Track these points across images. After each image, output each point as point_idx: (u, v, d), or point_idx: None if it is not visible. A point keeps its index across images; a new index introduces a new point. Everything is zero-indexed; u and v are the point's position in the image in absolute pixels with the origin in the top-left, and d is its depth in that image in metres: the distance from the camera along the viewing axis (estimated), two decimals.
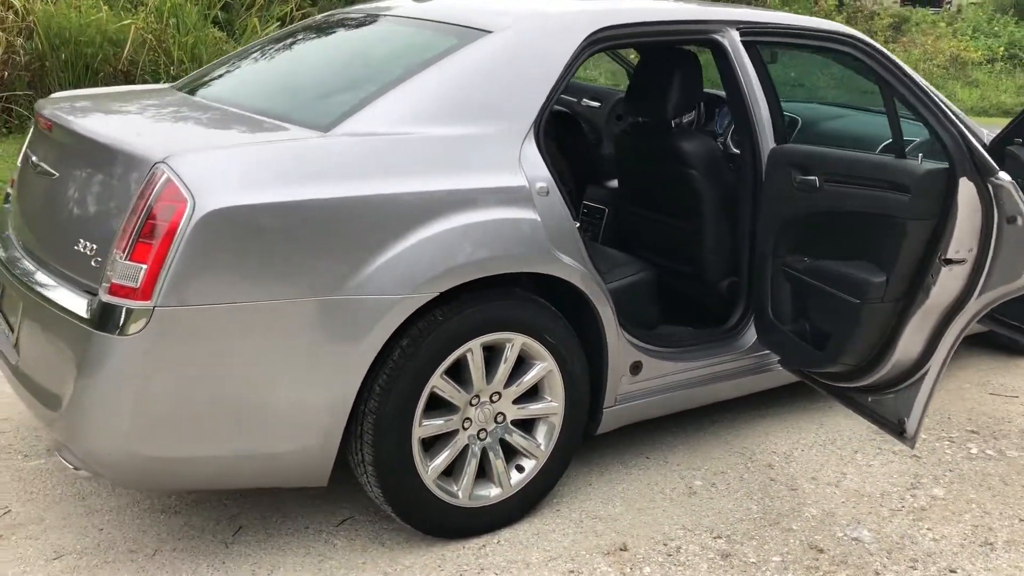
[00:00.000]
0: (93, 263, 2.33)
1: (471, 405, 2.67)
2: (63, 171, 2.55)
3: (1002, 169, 2.58)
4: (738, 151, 3.58)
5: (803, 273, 2.89)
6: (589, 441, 3.09)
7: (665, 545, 2.75)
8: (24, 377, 2.52)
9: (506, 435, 2.76)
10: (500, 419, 2.73)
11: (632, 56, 5.26)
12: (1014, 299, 2.62)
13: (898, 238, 2.49)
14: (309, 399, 2.38)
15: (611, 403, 2.97)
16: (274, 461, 2.43)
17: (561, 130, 4.11)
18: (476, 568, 2.60)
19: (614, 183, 3.99)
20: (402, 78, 2.64)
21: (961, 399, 3.82)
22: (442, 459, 2.64)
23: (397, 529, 2.76)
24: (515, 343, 2.67)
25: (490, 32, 2.77)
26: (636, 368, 2.99)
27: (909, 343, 2.62)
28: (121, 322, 2.21)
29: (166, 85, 3.52)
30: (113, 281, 2.23)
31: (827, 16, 13.58)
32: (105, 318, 2.23)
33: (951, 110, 2.83)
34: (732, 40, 3.18)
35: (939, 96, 2.75)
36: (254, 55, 3.30)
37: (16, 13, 8.82)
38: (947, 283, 2.49)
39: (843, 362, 2.77)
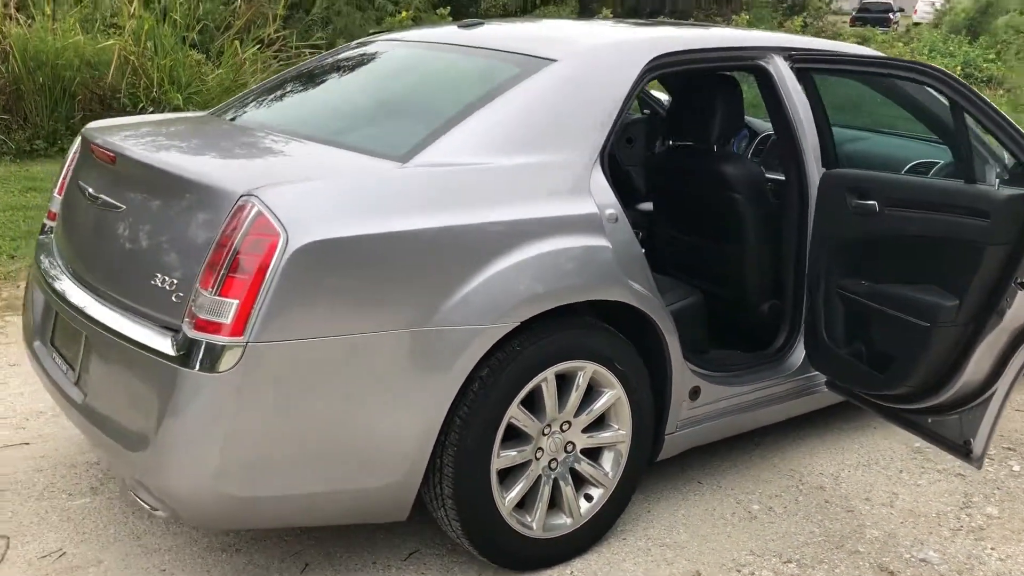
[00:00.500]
0: (174, 298, 2.27)
1: (543, 435, 2.65)
2: (132, 204, 2.49)
3: None
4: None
5: (862, 296, 2.92)
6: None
7: (738, 572, 2.74)
8: (94, 416, 2.44)
9: (575, 464, 2.74)
10: (570, 448, 2.72)
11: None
12: None
13: (974, 262, 2.53)
14: (397, 433, 2.35)
15: (672, 429, 2.97)
16: (360, 497, 2.38)
17: None
18: None
19: (646, 205, 4.00)
20: (472, 107, 2.62)
21: None
22: (517, 490, 2.61)
23: (467, 562, 2.72)
24: (587, 371, 2.66)
25: (554, 60, 2.77)
26: (695, 393, 3.00)
27: (977, 365, 2.65)
28: (211, 359, 2.15)
29: (203, 113, 3.46)
30: (201, 317, 2.18)
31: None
32: (194, 355, 2.17)
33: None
34: (777, 66, 3.22)
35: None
36: (298, 82, 3.27)
37: None
38: (1021, 306, 2.53)
39: (907, 384, 2.79)
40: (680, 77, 3.24)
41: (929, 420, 2.87)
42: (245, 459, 2.21)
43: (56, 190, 3.17)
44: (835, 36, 15.80)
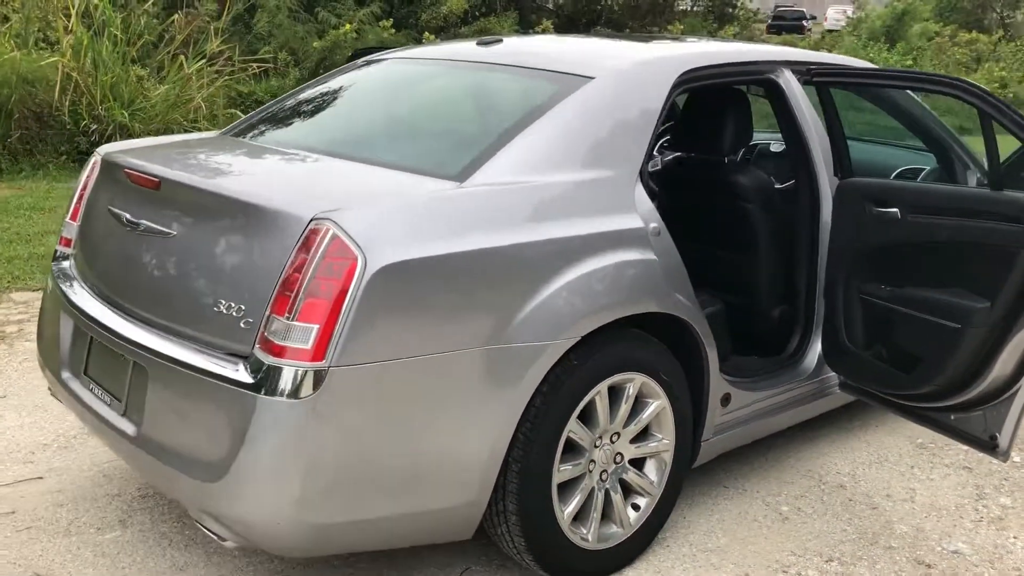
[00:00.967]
0: (242, 324, 2.24)
1: (594, 447, 2.68)
2: (183, 230, 2.44)
3: None
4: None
5: (885, 300, 3.03)
6: None
7: (784, 572, 2.81)
8: (151, 446, 2.39)
9: (624, 474, 2.78)
10: (618, 459, 2.75)
11: None
12: None
13: (1007, 265, 2.65)
14: (472, 451, 2.35)
15: (708, 436, 3.03)
16: (432, 517, 2.38)
17: None
18: None
19: None
20: (520, 126, 2.64)
21: None
22: (574, 504, 2.63)
23: None
24: (635, 382, 2.70)
25: (592, 78, 2.81)
26: (726, 400, 3.07)
27: (1004, 363, 2.77)
28: (292, 385, 2.13)
29: (213, 133, 3.40)
30: (277, 343, 2.16)
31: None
32: (272, 382, 2.14)
33: None
34: (787, 79, 3.32)
35: None
36: (317, 101, 3.24)
37: None
38: None
39: (935, 383, 2.90)
40: (697, 91, 3.31)
41: (952, 417, 2.98)
42: (324, 485, 2.19)
43: (69, 216, 3.09)
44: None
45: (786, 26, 32.41)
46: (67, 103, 8.74)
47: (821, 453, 3.61)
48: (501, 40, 3.29)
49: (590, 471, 2.68)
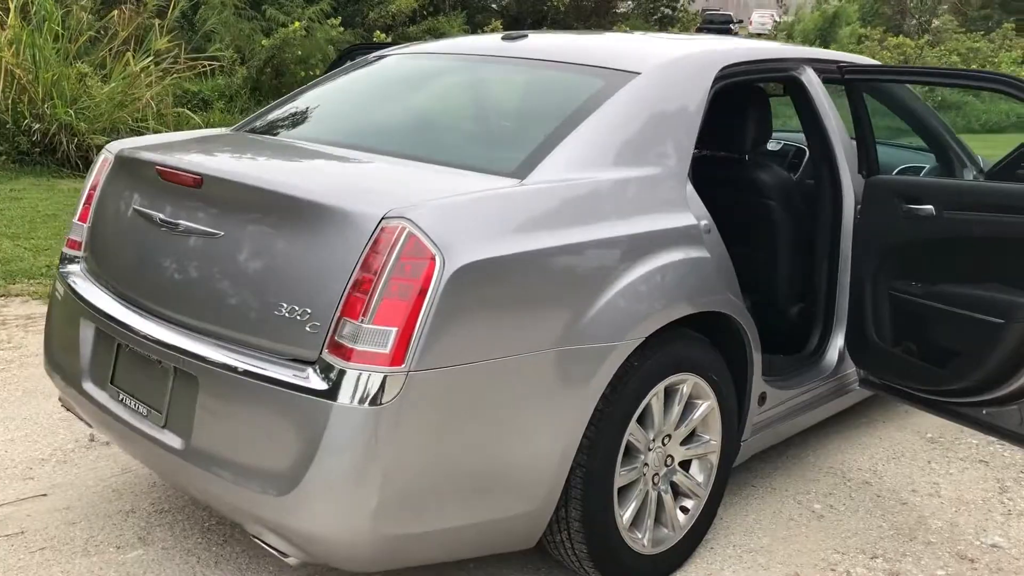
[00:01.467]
0: (308, 328, 2.12)
1: (648, 450, 2.62)
2: (233, 230, 2.31)
3: None
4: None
5: (918, 296, 3.04)
6: None
7: (833, 571, 2.80)
8: (202, 459, 2.24)
9: (674, 476, 2.73)
10: (669, 461, 2.70)
11: None
12: None
13: None
14: (543, 456, 2.28)
15: (747, 436, 3.00)
16: (500, 526, 2.30)
17: None
18: None
19: None
20: (572, 121, 2.57)
21: None
22: (631, 508, 2.58)
23: None
24: (688, 383, 2.66)
25: (638, 73, 2.75)
26: (762, 399, 3.04)
27: None
28: (370, 391, 2.02)
29: (227, 130, 3.24)
30: (351, 347, 2.05)
31: None
32: (347, 388, 2.03)
33: None
34: (810, 77, 3.31)
35: None
36: (346, 95, 3.11)
37: None
38: None
39: (972, 379, 2.92)
40: (722, 89, 3.28)
41: (984, 412, 3.01)
42: (401, 495, 2.09)
43: (77, 217, 2.92)
44: None
45: (714, 29, 32.85)
46: (8, 101, 8.35)
47: (838, 450, 3.61)
48: (526, 35, 3.22)
49: (644, 474, 2.62)
